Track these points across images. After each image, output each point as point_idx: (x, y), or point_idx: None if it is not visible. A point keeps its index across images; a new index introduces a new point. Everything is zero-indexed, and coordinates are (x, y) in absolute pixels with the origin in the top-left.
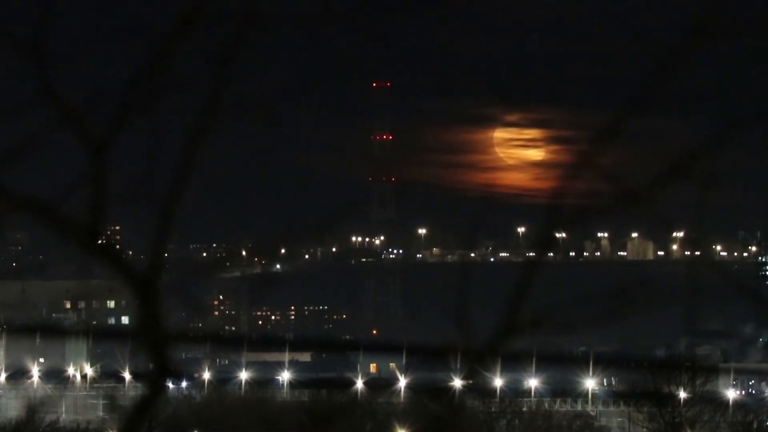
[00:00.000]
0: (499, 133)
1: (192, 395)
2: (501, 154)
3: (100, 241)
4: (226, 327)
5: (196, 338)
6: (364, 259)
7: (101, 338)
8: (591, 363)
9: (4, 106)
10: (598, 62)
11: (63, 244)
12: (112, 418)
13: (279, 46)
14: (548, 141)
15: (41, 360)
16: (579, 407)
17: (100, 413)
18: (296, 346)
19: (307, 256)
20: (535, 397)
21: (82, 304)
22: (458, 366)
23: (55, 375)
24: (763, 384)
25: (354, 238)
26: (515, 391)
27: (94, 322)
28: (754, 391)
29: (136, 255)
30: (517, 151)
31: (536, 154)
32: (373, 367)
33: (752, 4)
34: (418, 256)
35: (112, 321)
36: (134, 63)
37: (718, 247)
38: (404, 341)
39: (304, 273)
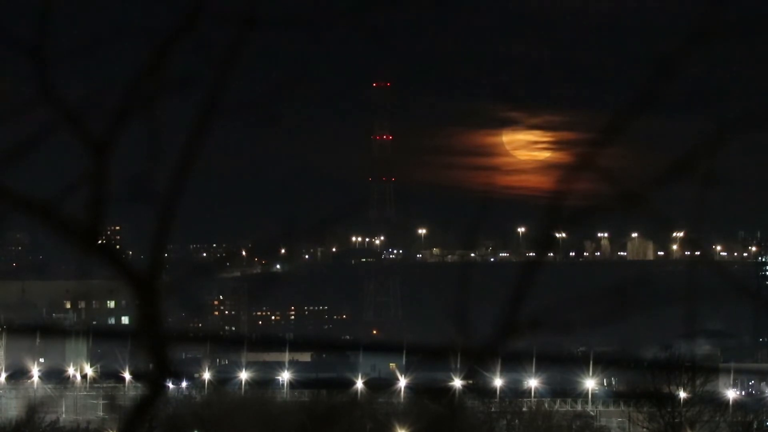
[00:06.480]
0: (506, 136)
1: (192, 395)
2: (515, 156)
3: (100, 241)
4: (226, 327)
5: (196, 338)
6: (364, 259)
7: (101, 338)
8: (591, 363)
9: (4, 106)
10: (599, 63)
11: (63, 244)
12: (112, 418)
13: (279, 46)
14: (552, 142)
15: (41, 360)
16: (579, 407)
17: (100, 413)
18: (296, 346)
19: (307, 256)
20: (535, 397)
21: (82, 304)
22: (458, 366)
23: (55, 375)
24: (763, 384)
25: (354, 238)
26: (515, 391)
27: (94, 322)
28: (754, 391)
29: (136, 255)
30: (525, 153)
31: (542, 155)
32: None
33: (752, 4)
34: (418, 256)
35: (112, 321)
36: (134, 63)
37: (718, 247)
38: (404, 341)
39: (304, 273)
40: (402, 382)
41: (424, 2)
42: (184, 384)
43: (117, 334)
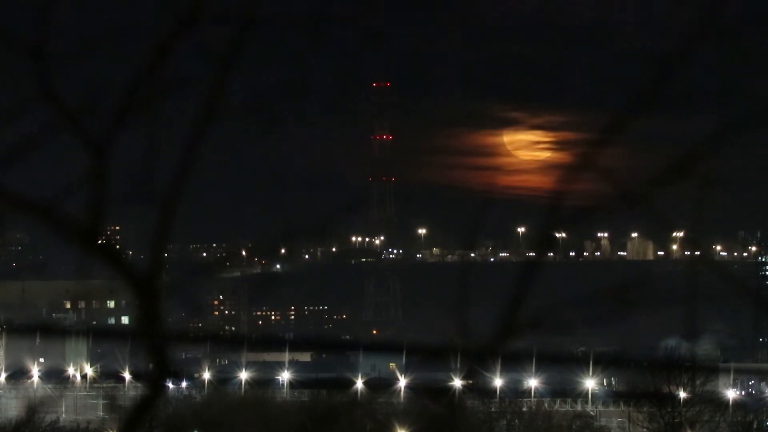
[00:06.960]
0: (507, 136)
1: (192, 395)
2: (516, 156)
3: (100, 241)
4: (226, 327)
5: (196, 338)
6: (364, 259)
7: (101, 338)
8: (591, 363)
9: (4, 106)
10: (600, 63)
11: (63, 244)
12: (112, 418)
13: (279, 46)
14: (553, 143)
15: (41, 360)
16: (579, 407)
17: (100, 413)
18: (296, 346)
19: (307, 256)
20: (535, 397)
21: (82, 304)
22: (458, 366)
23: (55, 375)
24: (763, 384)
25: (354, 238)
26: (515, 391)
27: (94, 322)
28: (754, 391)
29: (136, 255)
30: (526, 153)
31: (543, 155)
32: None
33: (752, 4)
34: (418, 256)
35: (112, 321)
36: (134, 63)
37: (718, 247)
38: (404, 341)
39: (304, 273)
40: (402, 382)
41: (425, 2)
42: (184, 384)
43: (117, 334)
